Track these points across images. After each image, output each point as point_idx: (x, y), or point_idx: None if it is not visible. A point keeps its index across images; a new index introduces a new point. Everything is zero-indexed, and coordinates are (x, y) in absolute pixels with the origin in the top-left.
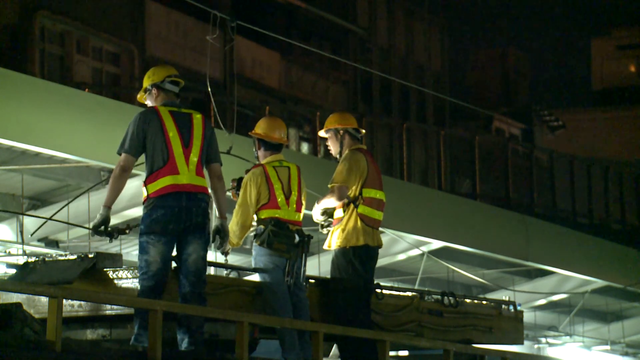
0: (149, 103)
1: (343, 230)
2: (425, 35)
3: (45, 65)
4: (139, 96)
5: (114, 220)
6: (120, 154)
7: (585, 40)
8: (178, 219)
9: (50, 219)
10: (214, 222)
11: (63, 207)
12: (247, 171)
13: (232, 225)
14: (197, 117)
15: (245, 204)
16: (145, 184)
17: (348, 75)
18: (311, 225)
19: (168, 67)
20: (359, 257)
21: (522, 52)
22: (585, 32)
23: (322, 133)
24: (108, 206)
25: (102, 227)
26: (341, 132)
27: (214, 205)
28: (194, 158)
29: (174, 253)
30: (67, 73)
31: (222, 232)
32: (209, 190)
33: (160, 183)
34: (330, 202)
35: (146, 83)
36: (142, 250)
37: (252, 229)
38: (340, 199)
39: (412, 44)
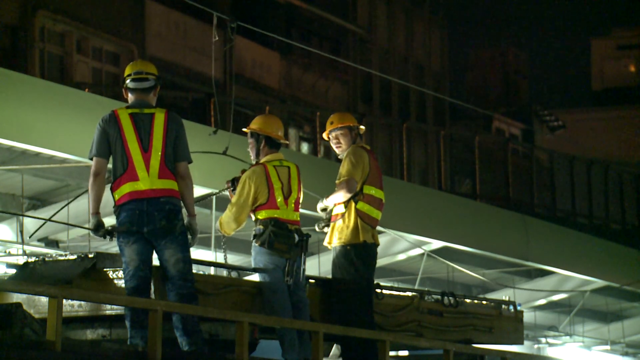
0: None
1: (342, 226)
2: (425, 35)
3: (45, 65)
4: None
5: (112, 221)
6: (91, 159)
7: (585, 40)
8: (140, 222)
9: (49, 220)
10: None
11: (62, 207)
12: (244, 171)
13: (225, 217)
14: (159, 116)
15: (239, 201)
16: (112, 190)
17: (348, 75)
18: (309, 225)
19: (134, 65)
20: (360, 257)
21: (522, 52)
22: (585, 32)
23: (334, 130)
24: (94, 213)
25: (100, 232)
26: (355, 130)
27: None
28: (154, 161)
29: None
30: (67, 73)
31: (190, 230)
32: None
33: (121, 191)
34: (339, 195)
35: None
36: (120, 252)
37: (253, 228)
38: (350, 191)
39: (412, 44)
